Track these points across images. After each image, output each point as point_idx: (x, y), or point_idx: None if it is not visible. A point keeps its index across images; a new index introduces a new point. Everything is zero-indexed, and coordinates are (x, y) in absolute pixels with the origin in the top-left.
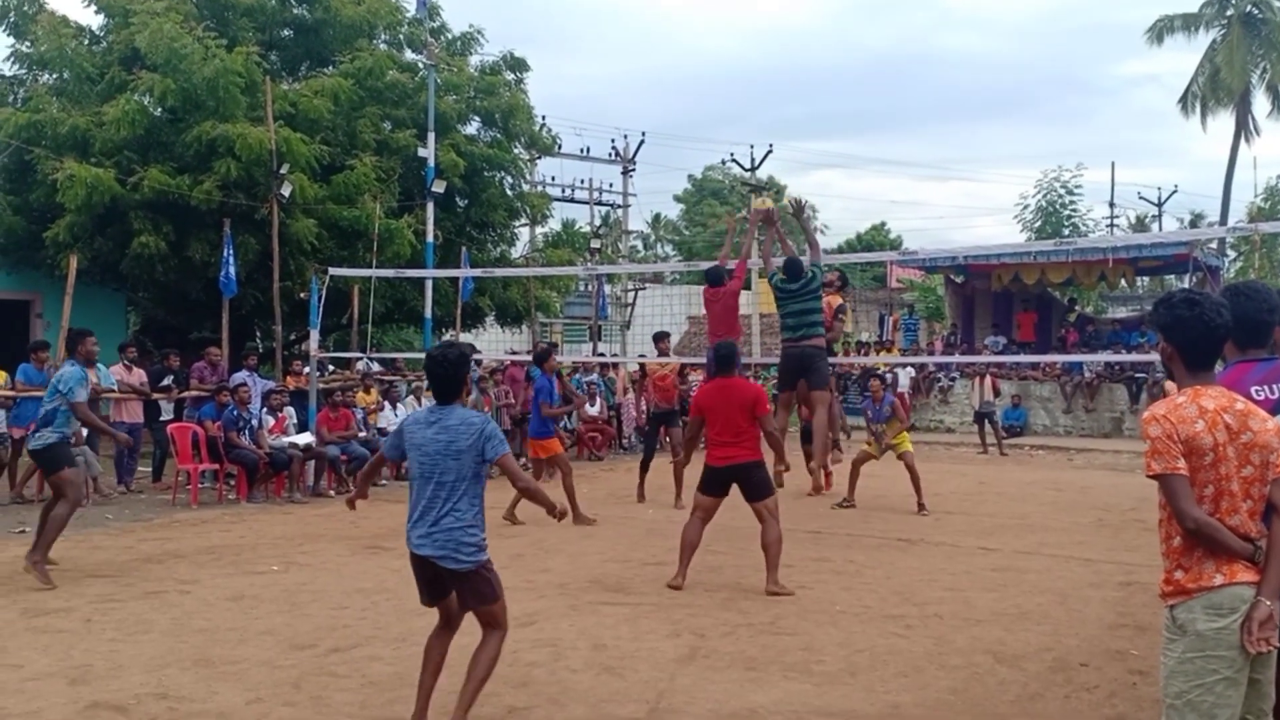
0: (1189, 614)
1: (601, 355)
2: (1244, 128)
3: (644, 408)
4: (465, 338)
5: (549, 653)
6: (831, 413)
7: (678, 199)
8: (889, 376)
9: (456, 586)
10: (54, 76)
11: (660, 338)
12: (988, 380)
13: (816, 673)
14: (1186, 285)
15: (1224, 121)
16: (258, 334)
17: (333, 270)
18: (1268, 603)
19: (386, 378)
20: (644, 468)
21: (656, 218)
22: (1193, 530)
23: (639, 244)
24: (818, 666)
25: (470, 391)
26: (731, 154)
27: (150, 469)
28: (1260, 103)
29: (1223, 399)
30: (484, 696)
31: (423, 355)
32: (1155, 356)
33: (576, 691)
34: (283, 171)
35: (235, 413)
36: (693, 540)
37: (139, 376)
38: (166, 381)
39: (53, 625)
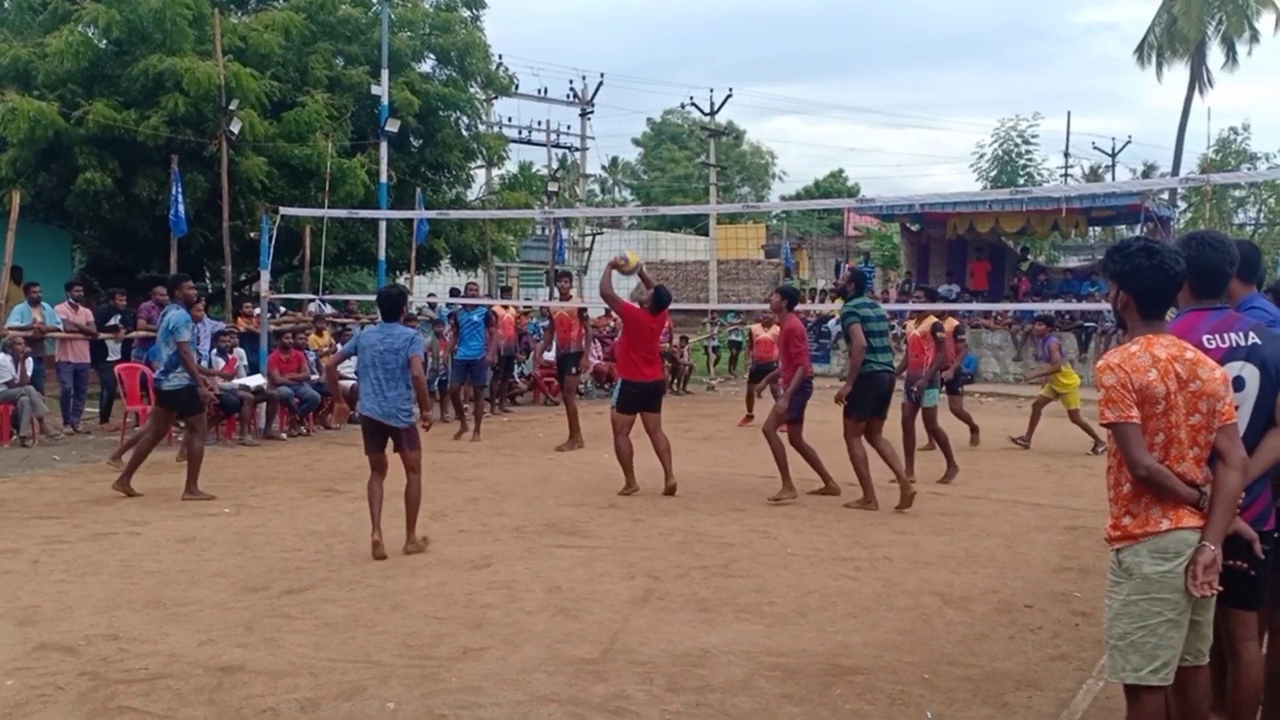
0: (1135, 558)
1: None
2: (1198, 79)
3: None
4: (420, 281)
5: (504, 594)
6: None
7: (636, 143)
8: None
9: (395, 437)
10: None
11: (561, 276)
12: None
13: (768, 614)
14: (1138, 235)
15: (1179, 72)
16: (207, 274)
17: (284, 210)
18: (1212, 547)
19: (339, 320)
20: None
21: (614, 161)
22: (1144, 477)
23: (597, 188)
24: (769, 608)
25: (404, 315)
26: (691, 98)
27: (98, 410)
28: (1215, 54)
29: (1173, 348)
30: (439, 637)
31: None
32: (1105, 306)
33: (531, 633)
34: (232, 108)
35: None
36: (629, 450)
37: (85, 316)
38: (114, 321)
39: None
